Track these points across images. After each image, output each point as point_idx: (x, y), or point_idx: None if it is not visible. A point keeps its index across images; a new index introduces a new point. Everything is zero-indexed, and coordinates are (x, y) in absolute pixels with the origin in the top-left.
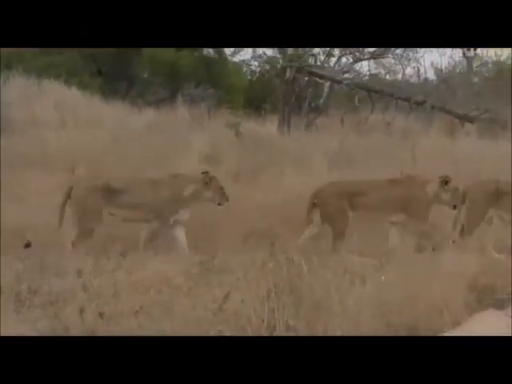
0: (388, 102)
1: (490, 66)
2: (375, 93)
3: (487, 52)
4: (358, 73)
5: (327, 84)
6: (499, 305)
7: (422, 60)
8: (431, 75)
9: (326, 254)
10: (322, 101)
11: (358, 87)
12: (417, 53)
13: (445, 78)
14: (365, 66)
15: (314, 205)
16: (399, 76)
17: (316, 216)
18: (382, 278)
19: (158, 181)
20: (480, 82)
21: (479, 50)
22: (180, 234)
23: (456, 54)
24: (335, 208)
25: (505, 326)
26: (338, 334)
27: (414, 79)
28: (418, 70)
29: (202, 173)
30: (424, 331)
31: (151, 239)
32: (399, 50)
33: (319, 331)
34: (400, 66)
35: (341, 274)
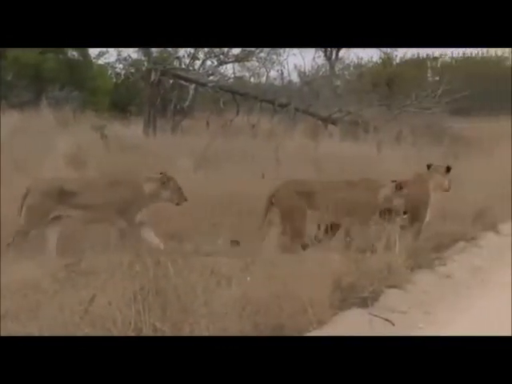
0: (252, 104)
1: (351, 68)
2: (240, 95)
3: (349, 55)
4: (223, 76)
5: (192, 86)
6: (363, 303)
7: (285, 63)
8: (295, 78)
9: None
10: (187, 103)
11: (222, 90)
12: (280, 56)
13: (308, 80)
14: (229, 69)
15: (271, 204)
16: (263, 79)
17: (274, 216)
18: (248, 278)
19: (115, 181)
20: (342, 85)
21: (342, 53)
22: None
23: (319, 56)
24: (294, 207)
25: (368, 323)
26: (205, 335)
27: (277, 82)
28: (282, 73)
29: (160, 173)
30: (290, 331)
31: (120, 239)
32: (263, 53)
33: (186, 333)
34: (264, 69)
35: (207, 276)
